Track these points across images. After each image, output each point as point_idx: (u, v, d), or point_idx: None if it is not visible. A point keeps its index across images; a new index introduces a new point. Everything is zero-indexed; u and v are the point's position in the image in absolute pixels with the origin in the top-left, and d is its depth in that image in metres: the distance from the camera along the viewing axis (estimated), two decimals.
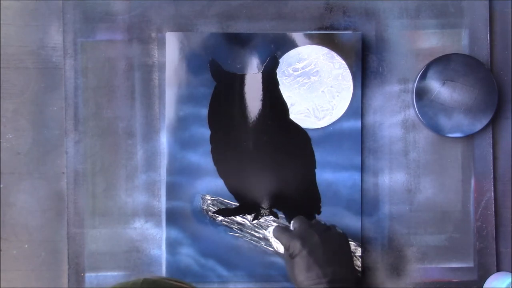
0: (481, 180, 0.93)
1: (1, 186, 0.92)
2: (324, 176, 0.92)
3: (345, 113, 0.92)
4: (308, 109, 0.92)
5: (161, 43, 0.92)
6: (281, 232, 0.86)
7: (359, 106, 0.92)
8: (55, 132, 0.93)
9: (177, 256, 0.91)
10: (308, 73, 0.92)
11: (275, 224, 0.92)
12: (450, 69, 0.91)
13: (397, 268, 0.93)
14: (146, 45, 0.92)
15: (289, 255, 0.83)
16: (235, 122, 0.92)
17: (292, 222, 0.88)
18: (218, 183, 0.92)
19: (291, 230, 0.86)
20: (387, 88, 0.93)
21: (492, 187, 0.93)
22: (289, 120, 0.92)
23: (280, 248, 0.89)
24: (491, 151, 0.93)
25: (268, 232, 0.91)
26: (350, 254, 0.85)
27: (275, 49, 0.92)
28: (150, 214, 0.92)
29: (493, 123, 0.93)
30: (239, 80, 0.92)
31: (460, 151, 0.93)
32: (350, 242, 0.92)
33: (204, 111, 0.92)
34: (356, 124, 0.92)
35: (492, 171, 0.93)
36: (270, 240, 0.91)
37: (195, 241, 0.92)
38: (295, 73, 0.92)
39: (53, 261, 0.92)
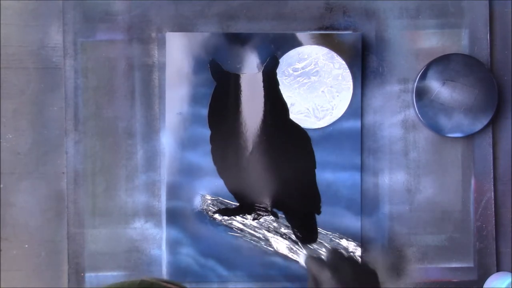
0: (481, 180, 0.93)
1: (1, 186, 0.92)
2: (324, 176, 0.92)
3: (345, 113, 0.92)
4: (308, 109, 0.92)
5: (161, 43, 0.92)
6: (313, 261, 0.80)
7: (359, 106, 0.92)
8: (55, 132, 0.93)
9: (177, 256, 0.91)
10: (308, 73, 0.92)
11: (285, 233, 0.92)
12: (450, 69, 0.91)
13: (397, 268, 0.93)
14: (146, 45, 0.92)
15: (315, 284, 0.78)
16: (235, 122, 0.92)
17: (325, 251, 0.89)
18: (218, 183, 0.92)
19: (323, 260, 0.81)
20: (387, 88, 0.93)
21: (492, 187, 0.93)
22: (289, 120, 0.92)
23: (280, 248, 0.89)
24: (491, 151, 0.93)
25: (301, 259, 0.91)
26: None
27: (275, 49, 0.92)
28: (150, 214, 0.92)
29: (493, 123, 0.93)
30: (239, 80, 0.92)
31: (460, 151, 0.93)
32: (350, 242, 0.92)
33: (204, 111, 0.92)
34: (356, 124, 0.92)
35: (492, 171, 0.93)
36: (270, 240, 0.91)
37: (195, 241, 0.92)
38: (295, 73, 0.92)
39: (53, 261, 0.92)
